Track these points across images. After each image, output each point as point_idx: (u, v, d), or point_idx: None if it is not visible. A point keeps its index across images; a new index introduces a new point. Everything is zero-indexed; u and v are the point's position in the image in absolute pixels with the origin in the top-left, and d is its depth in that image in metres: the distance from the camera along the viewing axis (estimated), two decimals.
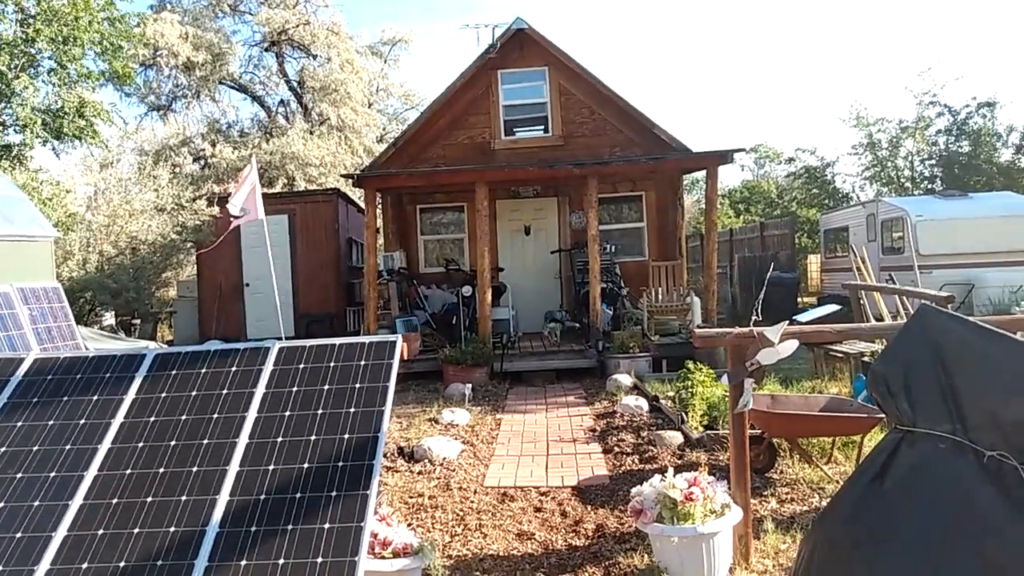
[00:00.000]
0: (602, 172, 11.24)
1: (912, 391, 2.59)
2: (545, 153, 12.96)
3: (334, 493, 2.77)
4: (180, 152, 21.83)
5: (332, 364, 3.28)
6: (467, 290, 11.37)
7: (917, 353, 2.62)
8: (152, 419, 3.15)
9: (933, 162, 22.39)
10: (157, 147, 21.82)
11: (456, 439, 6.79)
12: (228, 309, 14.89)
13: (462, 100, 13.35)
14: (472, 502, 5.27)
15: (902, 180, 22.78)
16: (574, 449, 6.58)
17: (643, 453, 6.17)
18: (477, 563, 4.25)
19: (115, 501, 2.85)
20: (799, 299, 16.85)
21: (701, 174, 13.78)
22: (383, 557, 3.39)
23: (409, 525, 4.53)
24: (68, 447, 3.08)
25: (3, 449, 3.09)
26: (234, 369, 3.32)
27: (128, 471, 2.96)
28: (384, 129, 26.43)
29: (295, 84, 24.72)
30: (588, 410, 8.11)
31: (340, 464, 2.87)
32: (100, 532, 2.75)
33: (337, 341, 3.38)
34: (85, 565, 2.65)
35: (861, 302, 9.11)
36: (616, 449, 6.37)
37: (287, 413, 3.10)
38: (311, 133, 22.30)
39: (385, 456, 6.14)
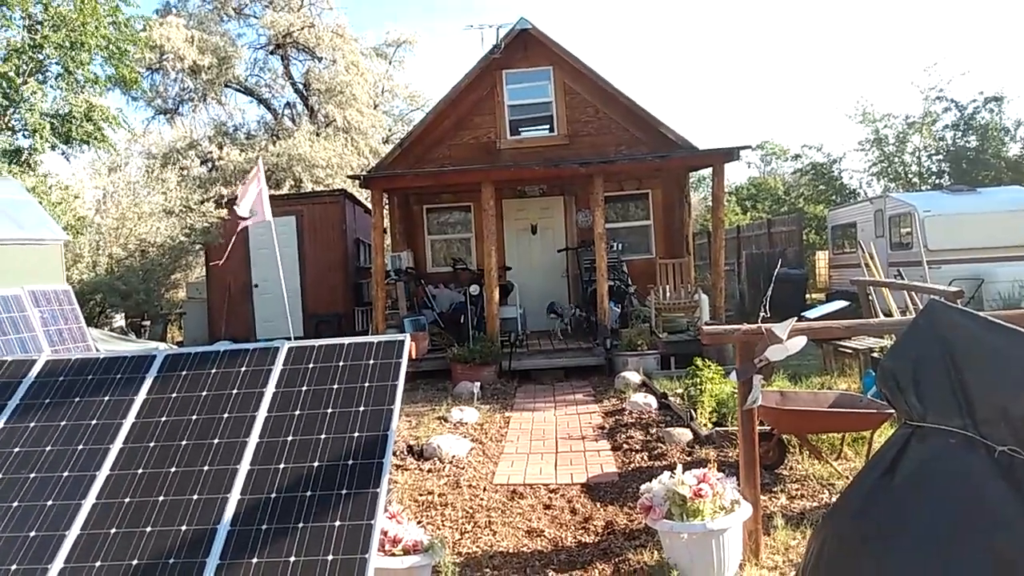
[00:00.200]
0: (608, 171, 11.23)
1: (921, 386, 2.59)
2: (551, 152, 12.97)
3: (344, 491, 2.78)
4: (187, 155, 21.91)
5: (341, 363, 3.30)
6: (474, 289, 11.39)
7: (926, 348, 2.62)
8: (163, 419, 3.18)
9: (940, 157, 22.28)
10: (164, 150, 21.92)
11: (465, 437, 6.80)
12: (237, 310, 14.95)
13: (467, 101, 13.36)
14: (482, 499, 5.28)
15: (909, 175, 22.67)
16: (583, 446, 6.58)
17: (652, 450, 6.17)
18: (487, 560, 4.26)
19: (127, 500, 2.87)
20: (807, 295, 16.81)
21: (707, 171, 13.78)
22: (393, 554, 3.41)
23: (419, 522, 4.55)
24: (80, 447, 3.11)
25: (16, 450, 3.12)
26: (244, 369, 3.34)
27: (140, 470, 2.98)
28: (390, 130, 26.47)
29: (301, 86, 24.79)
30: (597, 407, 8.11)
31: (350, 462, 2.88)
32: (113, 531, 2.77)
33: (346, 341, 3.40)
34: (98, 563, 2.67)
35: (870, 298, 9.08)
36: (625, 446, 6.37)
37: (297, 412, 3.12)
38: (317, 135, 22.36)
39: (395, 454, 6.16)
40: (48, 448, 3.12)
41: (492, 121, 13.38)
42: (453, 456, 6.21)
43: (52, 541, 2.76)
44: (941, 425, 2.50)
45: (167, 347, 7.97)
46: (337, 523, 2.68)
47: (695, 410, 6.86)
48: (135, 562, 2.66)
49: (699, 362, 7.34)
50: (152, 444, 3.08)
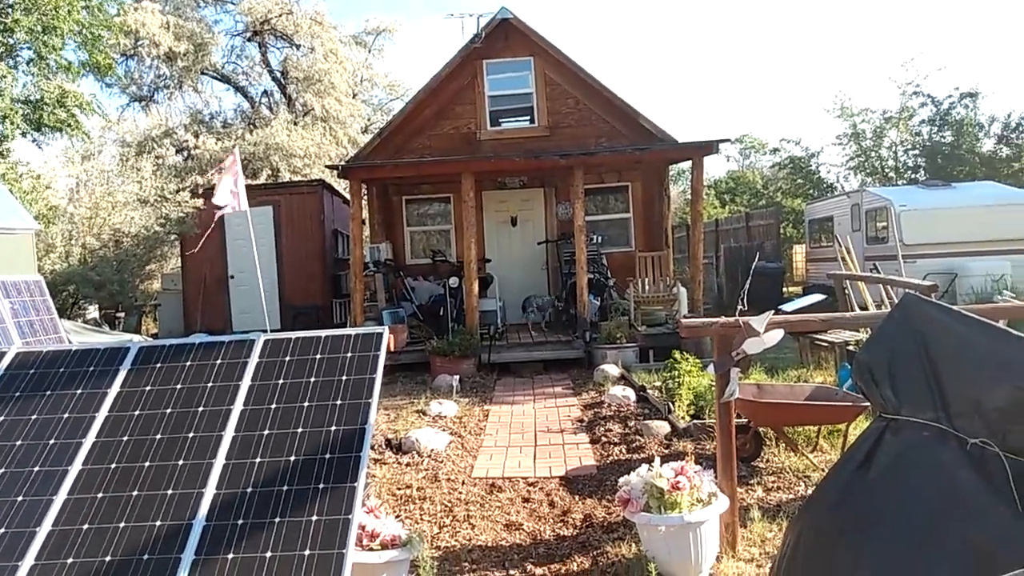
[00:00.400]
0: (588, 163, 11.23)
1: (896, 379, 2.61)
2: (531, 144, 12.94)
3: (321, 485, 2.76)
4: (163, 143, 21.58)
5: (318, 356, 3.26)
6: (454, 281, 11.36)
7: (901, 342, 2.64)
8: (137, 412, 3.13)
9: (917, 152, 22.57)
10: (139, 138, 21.58)
11: (444, 430, 6.79)
12: (213, 301, 14.79)
13: (447, 90, 13.29)
14: (460, 493, 5.28)
15: (886, 170, 22.95)
16: (562, 439, 6.60)
17: (630, 443, 6.20)
18: (466, 554, 4.26)
19: (100, 495, 2.83)
20: (784, 289, 16.96)
21: (687, 165, 13.83)
22: (371, 549, 3.39)
23: (397, 517, 4.53)
24: (52, 441, 3.05)
25: None
26: (219, 362, 3.29)
27: (113, 465, 2.94)
28: (369, 120, 26.27)
29: (278, 74, 24.51)
30: (576, 400, 8.13)
31: (327, 456, 2.86)
32: (85, 527, 2.73)
33: (323, 333, 3.36)
34: (70, 560, 2.62)
35: (846, 291, 9.18)
36: (604, 439, 6.39)
37: (273, 406, 3.08)
38: (295, 124, 22.13)
39: (373, 448, 6.13)
40: (19, 442, 3.06)
41: (472, 111, 13.32)
42: (432, 450, 6.19)
43: (22, 537, 2.71)
44: (915, 418, 2.52)
45: (141, 339, 7.88)
46: (314, 518, 2.66)
47: (673, 403, 6.90)
48: (108, 558, 2.62)
49: (677, 355, 7.38)
50: (126, 438, 3.03)
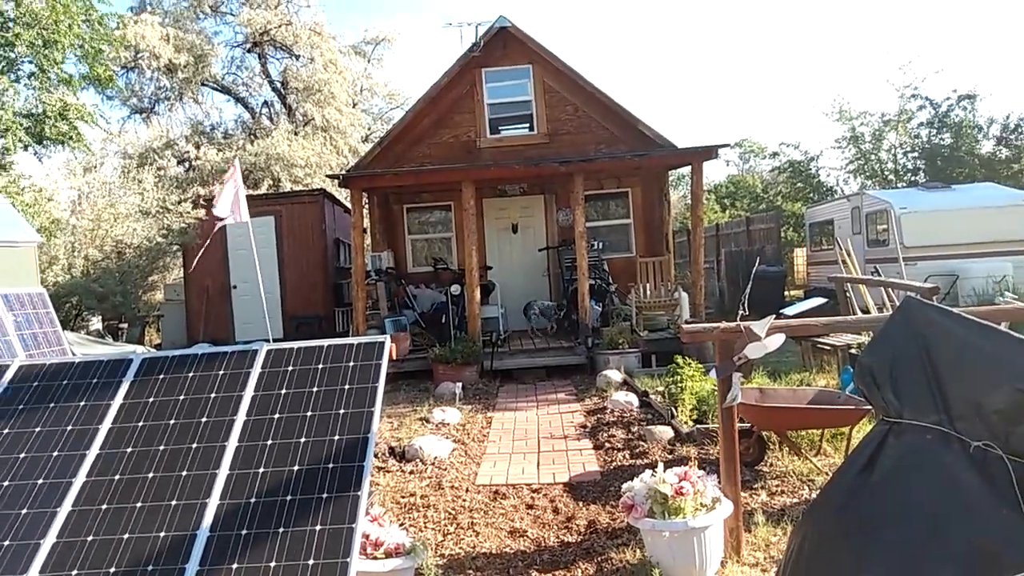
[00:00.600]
0: (588, 169, 11.25)
1: (898, 383, 2.61)
2: (531, 151, 12.96)
3: (325, 495, 2.76)
4: (164, 155, 21.65)
5: (321, 366, 3.27)
6: (456, 289, 11.37)
7: (903, 345, 2.64)
8: (140, 424, 3.14)
9: (916, 154, 22.58)
10: (141, 150, 21.66)
11: (447, 438, 6.79)
12: (216, 312, 14.81)
13: (446, 99, 13.33)
14: (464, 500, 5.27)
15: (885, 173, 22.95)
16: (565, 446, 6.59)
17: (634, 448, 6.19)
18: (470, 561, 4.25)
19: (104, 507, 2.84)
20: (786, 293, 16.95)
21: (686, 170, 13.85)
22: (375, 558, 3.40)
23: (401, 525, 4.53)
24: (56, 453, 3.06)
25: None
26: (222, 372, 3.30)
27: (117, 476, 2.94)
28: (369, 129, 26.34)
29: (278, 85, 24.59)
30: (578, 406, 8.13)
31: (331, 466, 2.86)
32: (90, 538, 2.73)
33: (325, 342, 3.37)
34: (75, 572, 2.63)
35: (847, 295, 9.18)
36: (607, 445, 6.39)
37: (276, 416, 3.09)
38: (296, 134, 22.20)
39: (376, 456, 6.13)
40: (22, 455, 3.07)
41: (472, 120, 13.36)
42: (435, 457, 6.19)
43: (27, 550, 2.72)
44: (918, 421, 2.52)
45: (144, 350, 7.89)
46: (318, 527, 2.66)
47: (676, 408, 6.89)
48: (112, 569, 2.63)
49: (680, 360, 7.37)
50: (129, 449, 3.04)
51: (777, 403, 5.44)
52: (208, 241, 12.28)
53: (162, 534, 2.71)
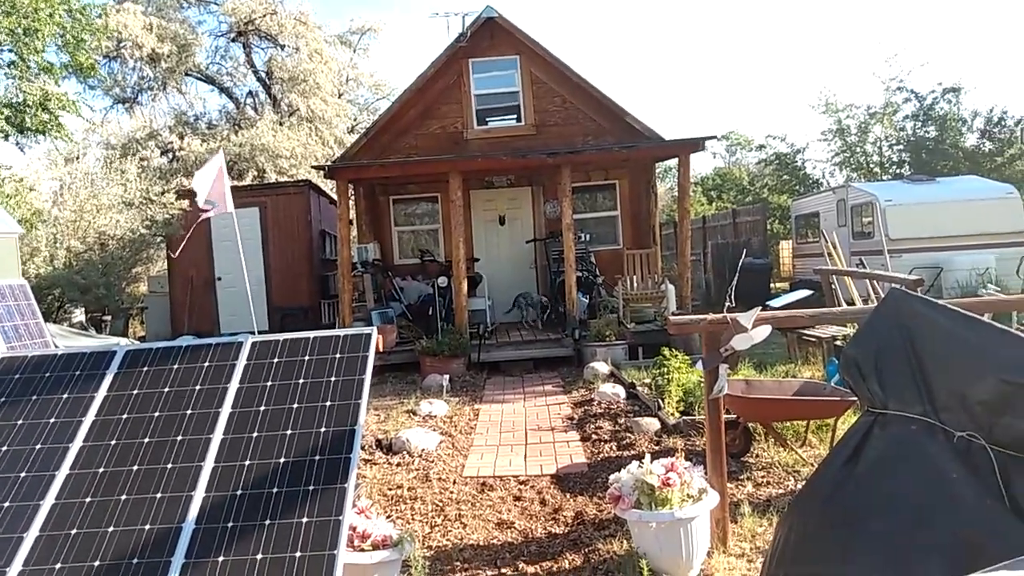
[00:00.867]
0: (575, 161, 11.25)
1: (883, 374, 2.63)
2: (518, 142, 12.94)
3: (311, 487, 2.75)
4: (147, 145, 21.44)
5: (307, 358, 3.25)
6: (442, 281, 11.34)
7: (888, 336, 2.66)
8: (124, 416, 3.11)
9: (901, 147, 22.71)
10: (124, 140, 21.43)
11: (434, 430, 6.78)
12: (200, 304, 14.71)
13: (433, 89, 13.26)
14: (451, 492, 5.27)
15: (871, 165, 23.08)
16: (552, 437, 6.60)
17: (621, 440, 6.21)
18: (457, 553, 4.25)
19: (88, 500, 2.81)
20: (772, 285, 17.04)
21: (673, 162, 13.86)
22: (362, 550, 3.39)
23: (388, 517, 4.52)
24: (39, 446, 3.03)
25: None
26: (207, 364, 3.28)
27: (101, 469, 2.92)
28: (355, 119, 26.18)
29: (263, 75, 24.38)
30: (566, 398, 8.14)
31: (317, 458, 2.85)
32: (74, 532, 2.71)
33: (311, 334, 3.35)
34: (59, 565, 2.61)
35: (832, 287, 9.23)
36: (594, 437, 6.40)
37: (262, 408, 3.07)
38: (281, 124, 22.03)
39: (363, 449, 6.12)
40: (4, 448, 3.04)
41: (459, 111, 13.30)
42: (422, 449, 6.18)
43: (9, 543, 2.69)
44: (903, 412, 2.54)
45: (128, 342, 7.83)
46: (305, 519, 2.65)
47: (663, 399, 6.92)
48: (97, 563, 2.60)
49: (666, 352, 7.39)
50: (113, 442, 3.02)
51: (763, 394, 5.46)
52: (191, 231, 12.18)
53: (147, 527, 2.69)
